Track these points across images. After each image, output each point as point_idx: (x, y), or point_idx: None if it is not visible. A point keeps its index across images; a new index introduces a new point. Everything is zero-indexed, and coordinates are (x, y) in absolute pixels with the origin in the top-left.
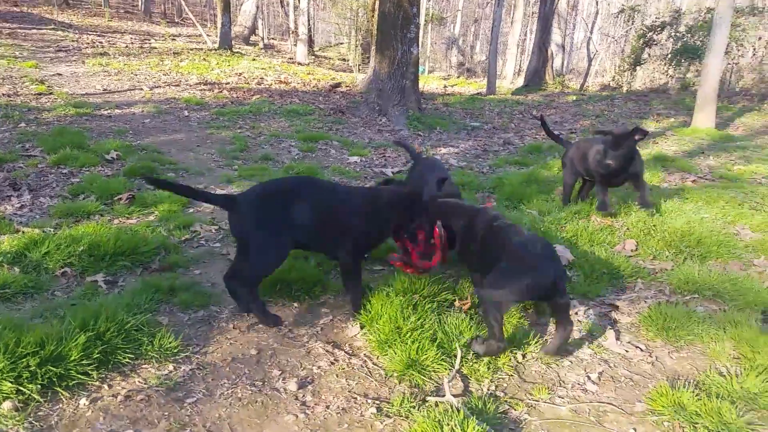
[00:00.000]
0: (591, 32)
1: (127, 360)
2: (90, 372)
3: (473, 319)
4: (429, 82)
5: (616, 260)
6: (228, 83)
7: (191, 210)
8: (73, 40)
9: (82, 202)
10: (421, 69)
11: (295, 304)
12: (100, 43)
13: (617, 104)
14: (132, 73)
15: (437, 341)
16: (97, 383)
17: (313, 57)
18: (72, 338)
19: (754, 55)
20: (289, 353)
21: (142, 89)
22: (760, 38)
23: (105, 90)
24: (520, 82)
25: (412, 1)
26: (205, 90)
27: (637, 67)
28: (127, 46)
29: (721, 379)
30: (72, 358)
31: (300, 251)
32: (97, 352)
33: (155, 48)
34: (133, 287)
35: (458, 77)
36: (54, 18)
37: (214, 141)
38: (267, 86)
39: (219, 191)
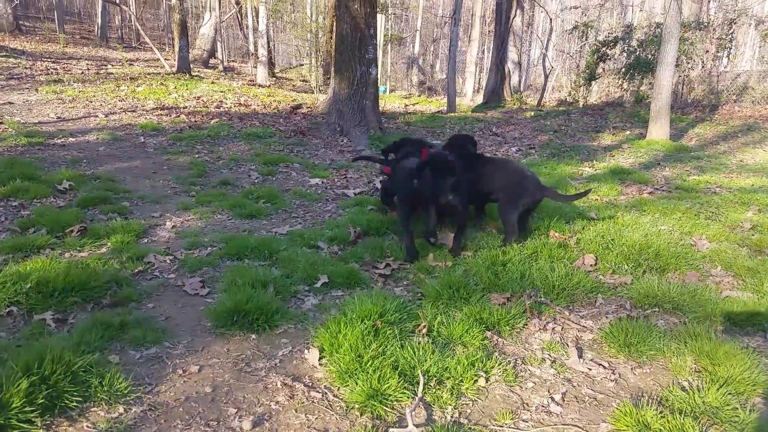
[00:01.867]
0: (546, 49)
1: (75, 404)
2: (34, 419)
3: (435, 343)
4: (390, 101)
5: (577, 276)
6: (186, 107)
7: (145, 240)
8: (26, 68)
9: (32, 235)
10: (382, 88)
11: (253, 336)
12: (55, 69)
13: (574, 118)
14: (87, 99)
15: (399, 369)
16: (41, 431)
17: (275, 78)
18: (14, 384)
19: (703, 67)
20: (246, 389)
21: (97, 116)
22: (707, 51)
23: (59, 118)
24: (479, 99)
25: (369, 23)
26: (162, 115)
27: (593, 82)
28: (82, 73)
29: (683, 395)
30: (14, 405)
31: (259, 281)
32: (41, 397)
33: (112, 73)
34: (84, 325)
35: (419, 96)
36: (5, 45)
37: (171, 167)
38: (226, 109)
39: (175, 219)
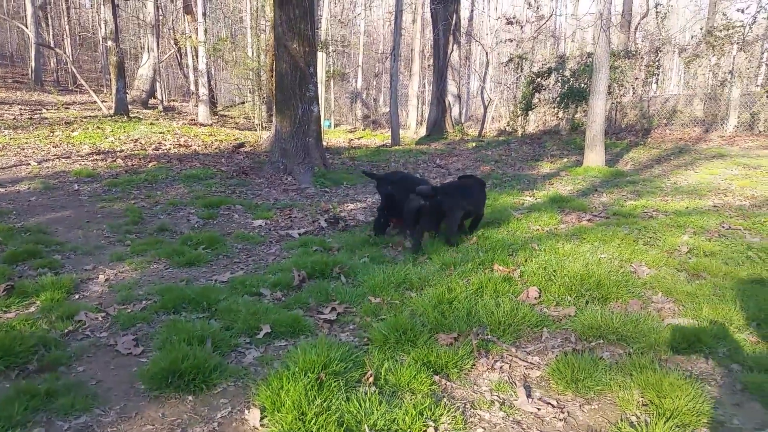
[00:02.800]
0: (484, 81)
1: None
2: None
3: (383, 393)
4: (335, 136)
5: (522, 310)
6: (123, 151)
7: (77, 296)
8: None
9: None
10: (326, 123)
11: (190, 398)
12: None
13: (513, 148)
14: (19, 147)
15: (345, 425)
16: None
17: (217, 117)
18: None
19: (634, 93)
20: None
21: (29, 164)
22: (636, 78)
23: None
24: (423, 131)
25: (308, 62)
26: (97, 160)
27: (530, 112)
28: (14, 118)
29: (632, 431)
30: None
31: (196, 336)
32: None
33: (46, 118)
34: (6, 396)
35: (364, 129)
36: None
37: (105, 215)
38: (165, 151)
39: (109, 272)
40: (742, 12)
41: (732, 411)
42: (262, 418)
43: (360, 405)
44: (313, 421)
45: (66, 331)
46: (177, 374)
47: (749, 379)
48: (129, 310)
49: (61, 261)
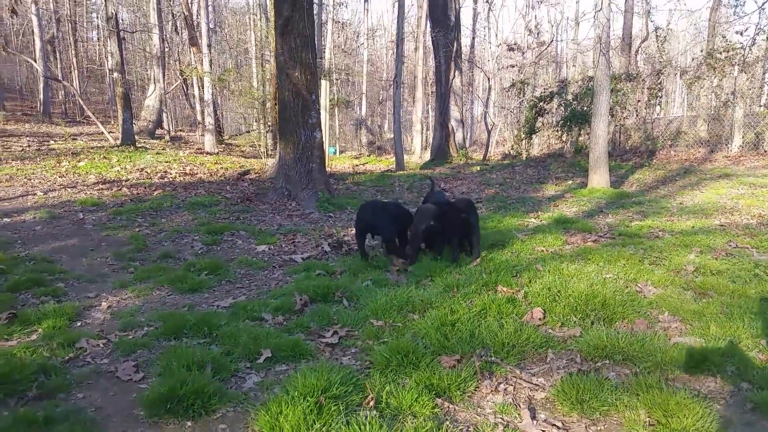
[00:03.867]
0: (487, 106)
1: None
2: None
3: (383, 416)
4: (340, 162)
5: (526, 331)
6: (128, 180)
7: (79, 323)
8: None
9: None
10: (332, 150)
11: (189, 423)
12: None
13: (518, 171)
14: (26, 177)
15: None
16: None
17: (223, 146)
18: None
19: (637, 115)
20: None
21: (35, 194)
22: (638, 101)
23: None
24: (428, 156)
25: (310, 89)
26: (103, 189)
27: (533, 135)
28: (22, 150)
29: None
30: None
31: (196, 361)
32: None
33: (54, 149)
34: (3, 425)
35: (369, 155)
36: None
37: (110, 243)
38: (170, 179)
39: (111, 299)
40: (741, 34)
41: (742, 430)
42: None
43: (360, 429)
44: None
45: (67, 358)
46: (176, 400)
47: (760, 398)
48: (130, 337)
49: (65, 289)
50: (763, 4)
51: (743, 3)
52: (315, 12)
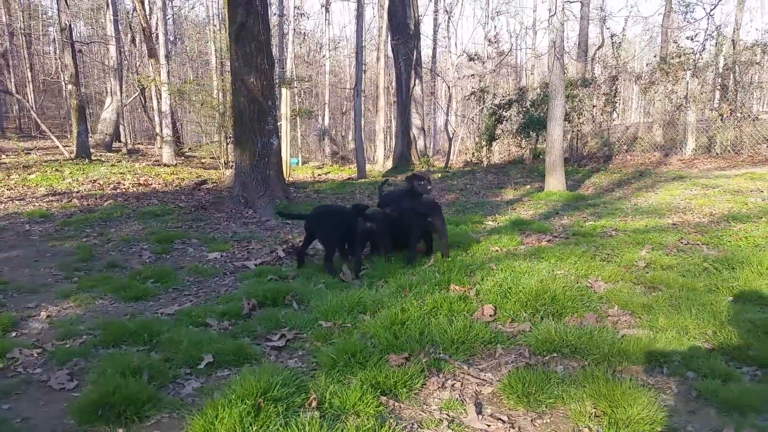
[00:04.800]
0: (447, 114)
1: None
2: None
3: (325, 417)
4: (303, 172)
5: (476, 328)
6: (79, 191)
7: (14, 334)
8: None
9: None
10: (294, 161)
11: (120, 430)
12: None
13: (479, 177)
14: None
15: None
16: None
17: (183, 158)
18: None
19: (594, 121)
20: None
21: None
22: (594, 106)
23: None
24: (390, 164)
25: (266, 95)
26: (52, 201)
27: (493, 143)
28: None
29: None
30: None
31: (131, 368)
32: None
33: (4, 163)
34: None
35: (332, 165)
36: None
37: (55, 254)
38: (123, 190)
39: (52, 309)
40: (692, 40)
41: (687, 418)
42: None
43: (299, 430)
44: None
45: None
46: (108, 406)
47: (704, 386)
48: (67, 346)
49: (3, 300)
50: (710, 11)
51: (693, 9)
52: (276, 23)
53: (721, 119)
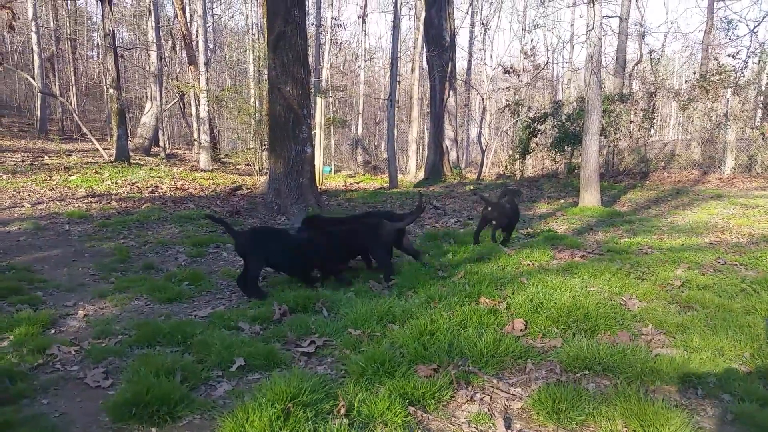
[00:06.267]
0: (481, 127)
1: None
2: None
3: (353, 424)
4: (336, 180)
5: (506, 342)
6: (118, 194)
7: (52, 331)
8: None
9: None
10: (327, 169)
11: (153, 429)
12: None
13: (511, 187)
14: (15, 190)
15: None
16: None
17: (219, 163)
18: None
19: (630, 137)
20: None
21: (23, 206)
22: (631, 122)
23: None
24: (422, 175)
25: (302, 104)
26: (92, 202)
27: (527, 156)
28: (15, 164)
29: None
30: None
31: (165, 368)
32: None
33: (47, 164)
34: None
35: (364, 174)
36: None
37: (93, 254)
38: (161, 194)
39: (89, 307)
40: (733, 57)
41: None
42: None
43: None
44: None
45: (35, 364)
46: (141, 405)
47: (740, 410)
48: (103, 344)
49: (43, 297)
50: (754, 28)
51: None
52: (313, 33)
53: (763, 138)
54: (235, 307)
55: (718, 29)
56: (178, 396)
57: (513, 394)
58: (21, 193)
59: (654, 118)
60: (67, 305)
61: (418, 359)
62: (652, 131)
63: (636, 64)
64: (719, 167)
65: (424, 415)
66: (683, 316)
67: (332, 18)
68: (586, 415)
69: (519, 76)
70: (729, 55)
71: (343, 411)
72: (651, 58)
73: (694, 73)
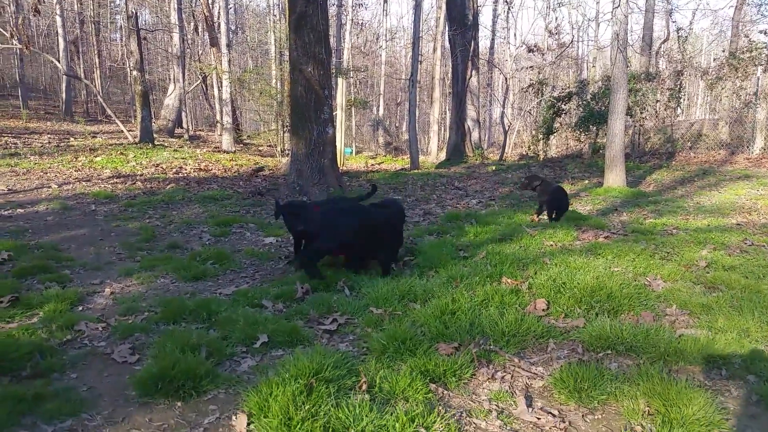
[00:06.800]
0: (504, 107)
1: None
2: None
3: (375, 400)
4: (357, 162)
5: (527, 321)
6: (143, 174)
7: (80, 308)
8: None
9: None
10: (348, 150)
11: (179, 404)
12: (15, 144)
13: (534, 171)
14: (42, 171)
15: (331, 430)
16: None
17: (241, 145)
18: None
19: (657, 116)
20: None
21: (50, 187)
22: (658, 101)
23: (9, 190)
24: (444, 156)
25: (323, 85)
26: (117, 183)
27: (551, 136)
28: (42, 146)
29: None
30: None
31: (190, 344)
32: None
33: (72, 146)
34: None
35: (386, 156)
36: None
37: (119, 233)
38: (185, 175)
39: (115, 285)
40: (766, 33)
41: (747, 422)
42: (249, 424)
43: (349, 411)
44: (299, 426)
45: (64, 340)
46: (167, 380)
47: (766, 390)
48: (129, 321)
49: (70, 275)
50: None
51: None
52: (334, 13)
53: None
54: (259, 286)
55: (750, 5)
56: (203, 371)
57: (534, 373)
58: (48, 174)
59: (681, 98)
60: (94, 283)
61: (439, 338)
62: (679, 111)
63: (663, 42)
64: (748, 147)
65: (445, 392)
66: (708, 297)
67: None
68: (608, 394)
69: (543, 55)
70: (761, 32)
71: (364, 387)
72: (678, 36)
73: (723, 51)
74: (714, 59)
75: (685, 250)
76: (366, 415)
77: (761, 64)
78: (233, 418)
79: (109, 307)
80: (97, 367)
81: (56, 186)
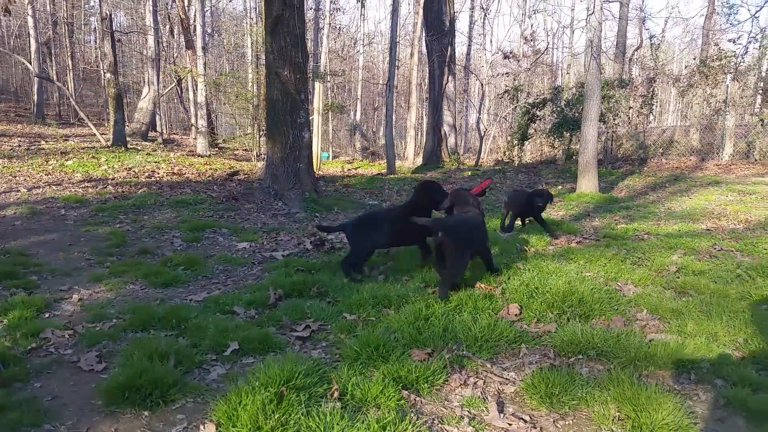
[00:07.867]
0: (479, 112)
1: None
2: None
3: (346, 407)
4: (333, 166)
5: (500, 326)
6: (114, 178)
7: (47, 315)
8: None
9: None
10: (325, 155)
11: (145, 413)
12: None
13: (509, 176)
14: (11, 175)
15: None
16: None
17: (216, 149)
18: None
19: (629, 123)
20: None
21: (19, 190)
22: (630, 108)
23: None
24: (420, 161)
25: (300, 88)
26: (88, 187)
27: (526, 142)
28: (11, 149)
29: None
30: None
31: (159, 352)
32: None
33: (43, 149)
34: None
35: (362, 160)
36: None
37: (89, 238)
38: (158, 179)
39: (84, 292)
40: (734, 42)
41: (714, 426)
42: (217, 427)
43: (320, 419)
44: None
45: (29, 348)
46: (134, 389)
47: (733, 394)
48: (97, 328)
49: (38, 282)
50: (755, 13)
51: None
52: (312, 17)
53: (762, 124)
54: (231, 292)
55: (720, 14)
56: (171, 380)
57: (506, 379)
58: (17, 178)
59: (653, 104)
60: (61, 289)
61: (413, 344)
62: (651, 117)
63: (636, 50)
64: (718, 154)
65: (418, 398)
66: (678, 302)
67: (331, 2)
68: (579, 399)
69: (519, 61)
70: (730, 41)
71: (336, 394)
72: (651, 44)
73: (694, 59)
74: (685, 67)
75: (656, 255)
76: (337, 424)
77: (730, 72)
78: (201, 427)
79: (77, 314)
80: (62, 375)
81: (25, 190)
